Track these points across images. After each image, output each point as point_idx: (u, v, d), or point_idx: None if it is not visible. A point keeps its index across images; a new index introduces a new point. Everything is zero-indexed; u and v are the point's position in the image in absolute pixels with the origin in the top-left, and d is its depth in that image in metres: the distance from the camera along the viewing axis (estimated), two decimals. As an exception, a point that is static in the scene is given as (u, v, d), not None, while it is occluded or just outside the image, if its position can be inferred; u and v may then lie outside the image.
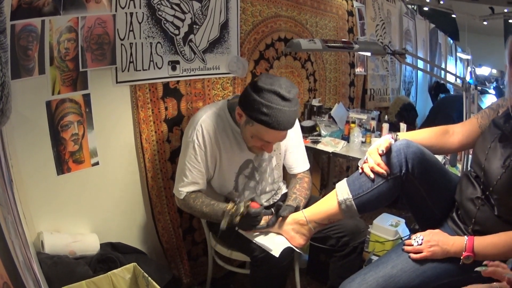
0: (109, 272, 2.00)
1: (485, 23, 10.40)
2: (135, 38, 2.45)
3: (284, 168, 2.65)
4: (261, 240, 2.09)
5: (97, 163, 2.39)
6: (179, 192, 2.33)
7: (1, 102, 0.91)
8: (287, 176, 2.69)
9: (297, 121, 2.41)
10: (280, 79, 2.11)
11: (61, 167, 2.23)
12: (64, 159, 2.23)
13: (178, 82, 2.75)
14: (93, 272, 2.07)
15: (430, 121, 6.03)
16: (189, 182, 2.32)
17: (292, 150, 2.58)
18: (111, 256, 2.21)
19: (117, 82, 2.42)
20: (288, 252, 2.03)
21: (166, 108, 2.70)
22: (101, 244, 2.31)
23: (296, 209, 2.18)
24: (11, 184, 1.56)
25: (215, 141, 2.32)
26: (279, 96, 2.04)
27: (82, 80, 2.25)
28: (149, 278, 1.96)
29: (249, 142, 2.26)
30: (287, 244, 2.04)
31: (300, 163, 2.61)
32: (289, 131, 2.25)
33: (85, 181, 2.36)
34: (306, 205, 2.06)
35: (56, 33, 2.09)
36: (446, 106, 5.88)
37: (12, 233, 1.22)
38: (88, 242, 2.27)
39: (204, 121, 2.29)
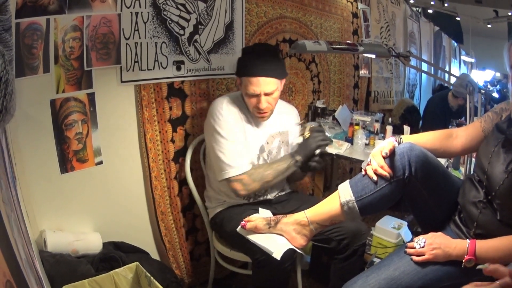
0: (111, 271, 2.01)
1: (489, 26, 10.39)
2: (140, 38, 2.46)
3: None
4: (262, 242, 2.09)
5: (100, 162, 2.40)
6: (230, 175, 2.39)
7: (5, 100, 0.91)
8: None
9: (297, 115, 2.78)
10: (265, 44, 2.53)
11: (65, 165, 2.23)
12: (68, 158, 2.24)
13: (182, 82, 2.75)
14: (96, 271, 2.07)
15: (424, 122, 6.05)
16: (238, 165, 2.39)
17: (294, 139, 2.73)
18: (113, 255, 2.21)
19: (121, 82, 2.43)
20: (289, 254, 2.03)
21: (170, 108, 2.70)
22: (103, 243, 2.32)
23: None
24: (14, 182, 1.56)
25: (239, 119, 2.49)
26: (252, 49, 2.55)
27: (86, 79, 2.26)
28: (151, 278, 1.97)
29: (248, 103, 2.47)
30: (288, 246, 2.03)
31: None
32: (296, 121, 2.73)
33: (89, 180, 2.37)
34: (306, 208, 2.06)
35: (61, 31, 2.10)
36: (431, 104, 5.88)
37: (15, 231, 1.22)
38: (90, 241, 2.28)
39: (226, 108, 2.47)
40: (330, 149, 3.46)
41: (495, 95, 8.10)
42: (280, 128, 2.66)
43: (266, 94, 2.40)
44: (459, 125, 4.20)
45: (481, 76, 10.35)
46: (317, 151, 2.35)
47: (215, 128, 2.40)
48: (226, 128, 2.40)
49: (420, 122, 5.52)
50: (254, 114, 2.49)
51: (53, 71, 2.11)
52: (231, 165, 2.37)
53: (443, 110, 5.20)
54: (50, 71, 2.09)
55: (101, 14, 2.25)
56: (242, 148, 2.43)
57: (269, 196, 2.62)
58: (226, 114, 2.42)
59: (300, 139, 2.47)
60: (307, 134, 2.34)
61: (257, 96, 2.40)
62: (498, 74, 10.41)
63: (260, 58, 2.38)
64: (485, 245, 1.66)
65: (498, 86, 10.88)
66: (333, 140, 3.63)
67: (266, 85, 2.38)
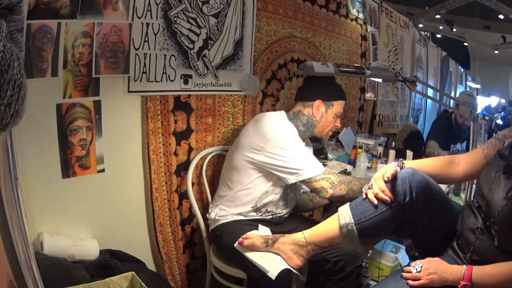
0: (106, 279, 2.00)
1: (496, 52, 10.43)
2: (149, 49, 2.47)
3: None
4: (258, 260, 2.09)
5: (103, 170, 2.40)
6: (329, 180, 2.38)
7: (17, 104, 0.92)
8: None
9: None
10: None
11: (67, 170, 2.24)
12: (70, 163, 2.24)
13: (189, 96, 2.76)
14: (91, 277, 2.06)
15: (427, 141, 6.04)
16: (311, 168, 2.41)
17: None
18: (109, 263, 2.20)
19: (128, 91, 2.43)
20: (285, 274, 2.02)
21: (175, 121, 2.71)
22: (100, 250, 2.31)
23: None
24: (16, 183, 1.57)
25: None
26: (332, 79, 2.73)
27: (94, 86, 2.27)
28: (146, 288, 1.97)
29: (330, 124, 2.71)
30: (284, 266, 2.03)
31: None
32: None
33: (90, 187, 2.37)
34: (305, 229, 2.06)
35: (71, 36, 2.11)
36: (434, 125, 5.87)
37: (16, 231, 1.23)
38: (87, 247, 2.27)
39: (283, 120, 2.57)
40: (332, 171, 3.46)
41: (499, 121, 8.10)
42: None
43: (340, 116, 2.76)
44: (453, 153, 4.22)
45: (486, 102, 10.37)
46: None
47: (289, 140, 2.42)
48: (292, 139, 2.45)
49: (423, 147, 5.51)
50: (328, 134, 2.78)
51: (61, 75, 2.11)
52: (309, 167, 2.39)
53: (447, 130, 5.18)
54: (58, 75, 2.10)
55: (112, 22, 2.27)
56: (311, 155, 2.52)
57: (279, 214, 2.63)
58: (290, 129, 2.51)
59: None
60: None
61: (340, 117, 2.74)
62: (503, 101, 10.44)
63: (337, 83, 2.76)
64: (481, 271, 1.66)
65: (502, 112, 10.89)
66: (336, 162, 3.63)
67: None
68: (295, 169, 2.37)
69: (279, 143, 2.39)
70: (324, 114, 2.64)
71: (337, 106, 2.66)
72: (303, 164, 2.38)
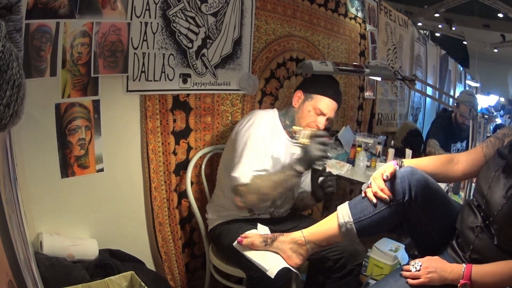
0: (106, 278, 2.00)
1: (495, 50, 10.44)
2: (148, 48, 2.47)
3: None
4: (257, 259, 2.09)
5: (102, 170, 2.40)
6: (244, 176, 2.29)
7: (16, 104, 0.92)
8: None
9: None
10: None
11: (66, 170, 2.23)
12: (69, 163, 2.24)
13: (188, 95, 2.76)
14: (90, 277, 2.06)
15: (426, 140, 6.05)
16: (254, 169, 2.34)
17: None
18: (109, 262, 2.21)
19: (127, 91, 2.43)
20: (284, 273, 2.02)
21: (174, 121, 2.71)
22: (100, 250, 2.31)
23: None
24: (16, 183, 1.57)
25: (269, 139, 2.47)
26: (331, 78, 2.63)
27: (92, 85, 2.27)
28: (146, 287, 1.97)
29: (307, 118, 2.53)
30: (283, 265, 2.03)
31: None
32: None
33: (89, 186, 2.37)
34: (304, 228, 2.06)
35: (70, 36, 2.11)
36: (434, 124, 5.87)
37: (15, 231, 1.23)
38: (87, 247, 2.27)
39: (264, 119, 2.52)
40: (331, 170, 3.46)
41: (499, 120, 8.10)
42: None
43: (327, 119, 2.54)
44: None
45: (485, 101, 10.36)
46: (319, 164, 2.32)
47: (249, 136, 2.41)
48: (257, 143, 2.40)
49: (423, 145, 5.52)
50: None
51: (60, 75, 2.11)
52: (239, 170, 2.31)
53: (447, 129, 5.18)
54: (57, 75, 2.10)
55: (111, 22, 2.27)
56: (258, 162, 2.38)
57: (277, 213, 2.63)
58: (263, 132, 2.46)
59: (296, 149, 2.42)
60: (305, 141, 2.25)
61: (322, 115, 2.52)
62: (502, 99, 10.44)
63: (335, 84, 2.63)
64: (481, 270, 1.67)
65: (502, 111, 10.89)
66: (335, 161, 3.63)
67: (333, 111, 2.56)
68: (234, 166, 2.37)
69: (236, 135, 2.46)
70: (301, 105, 2.57)
71: (317, 100, 2.52)
72: (239, 165, 2.35)
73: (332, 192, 2.50)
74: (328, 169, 3.40)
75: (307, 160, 2.21)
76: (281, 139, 2.55)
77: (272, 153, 2.46)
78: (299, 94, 2.59)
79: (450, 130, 5.11)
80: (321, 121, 2.52)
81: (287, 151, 2.54)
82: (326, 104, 2.51)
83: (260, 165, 2.35)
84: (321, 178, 2.52)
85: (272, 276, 1.99)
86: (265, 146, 2.42)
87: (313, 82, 2.59)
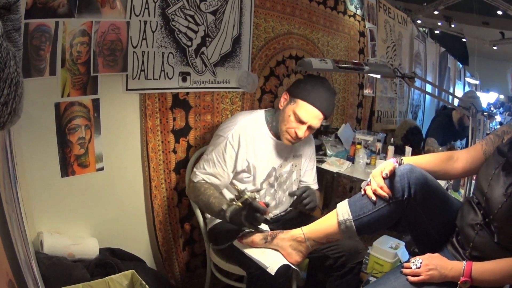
0: (106, 277, 2.00)
1: (494, 48, 10.43)
2: (147, 47, 2.47)
3: None
4: (257, 256, 2.09)
5: (102, 169, 2.40)
6: (195, 175, 2.42)
7: (14, 102, 0.92)
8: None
9: (314, 142, 2.78)
10: (324, 77, 2.46)
11: (66, 169, 2.24)
12: (69, 162, 2.24)
13: (187, 93, 2.76)
14: (91, 276, 2.07)
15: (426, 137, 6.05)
16: (210, 173, 2.40)
17: (311, 167, 2.78)
18: (109, 261, 2.21)
19: (127, 89, 2.43)
20: (285, 270, 2.03)
21: (174, 119, 2.71)
22: (100, 249, 2.31)
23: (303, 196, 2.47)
24: (15, 182, 1.57)
25: (251, 145, 2.45)
26: (322, 83, 2.43)
27: (92, 84, 2.27)
28: (147, 286, 1.97)
29: (286, 123, 2.42)
30: (283, 262, 2.03)
31: (314, 182, 2.81)
32: (312, 150, 2.71)
33: (89, 185, 2.37)
34: (304, 224, 2.07)
35: (69, 35, 2.11)
36: (435, 121, 5.89)
37: (15, 231, 1.23)
38: (87, 246, 2.28)
39: (243, 125, 2.45)
40: (331, 167, 3.47)
41: (498, 117, 8.10)
42: (295, 152, 2.66)
43: (309, 127, 2.41)
44: (450, 149, 4.21)
45: (485, 98, 10.36)
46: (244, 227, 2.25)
47: (221, 140, 2.43)
48: (225, 151, 2.42)
49: (422, 143, 5.52)
50: (284, 136, 2.45)
51: (59, 74, 2.11)
52: (199, 167, 2.44)
53: (447, 127, 5.18)
54: (56, 74, 2.10)
55: (110, 21, 2.26)
56: (222, 174, 2.43)
57: (273, 214, 2.62)
58: (236, 141, 2.42)
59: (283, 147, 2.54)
60: (238, 204, 2.13)
61: (302, 123, 2.38)
62: (502, 97, 10.44)
63: (325, 92, 2.40)
64: (481, 267, 1.67)
65: (501, 108, 10.90)
66: (335, 158, 3.64)
67: (317, 119, 2.41)
68: (202, 168, 2.46)
69: (214, 135, 2.54)
70: (285, 107, 2.45)
71: (298, 106, 2.37)
72: (200, 163, 2.47)
73: (313, 208, 2.48)
74: (328, 167, 3.43)
75: (236, 221, 2.17)
76: (265, 141, 2.53)
77: (250, 159, 2.47)
78: (285, 96, 2.48)
79: (450, 128, 5.12)
80: (301, 129, 2.40)
81: (272, 151, 2.55)
82: (306, 111, 2.37)
83: (216, 172, 2.41)
84: (296, 197, 2.52)
85: (273, 273, 1.99)
86: (231, 159, 2.43)
87: (300, 85, 2.43)
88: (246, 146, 2.43)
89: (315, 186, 2.81)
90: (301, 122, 2.37)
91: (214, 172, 2.40)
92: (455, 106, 4.70)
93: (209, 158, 2.42)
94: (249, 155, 2.45)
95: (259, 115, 2.57)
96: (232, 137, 2.41)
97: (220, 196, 2.36)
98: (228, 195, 2.51)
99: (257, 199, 2.11)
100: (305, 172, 2.74)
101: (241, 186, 2.36)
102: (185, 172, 2.76)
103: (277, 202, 2.60)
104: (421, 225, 1.91)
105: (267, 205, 2.35)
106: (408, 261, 1.87)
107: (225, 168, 2.41)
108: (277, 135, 2.52)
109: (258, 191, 2.54)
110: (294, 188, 2.69)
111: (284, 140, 2.46)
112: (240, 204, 2.09)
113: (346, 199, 1.95)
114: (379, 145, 3.88)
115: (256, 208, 2.07)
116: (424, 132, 5.86)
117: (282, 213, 2.65)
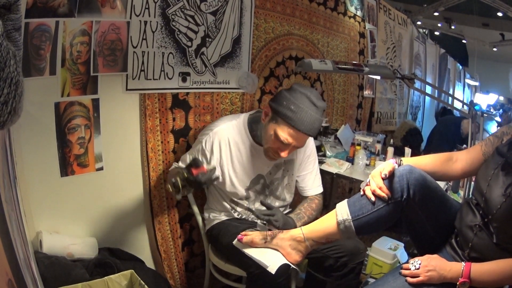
0: (105, 277, 2.00)
1: (494, 49, 10.45)
2: (147, 47, 2.47)
3: (296, 193, 2.71)
4: (257, 256, 2.10)
5: (101, 168, 2.40)
6: (174, 164, 2.57)
7: (14, 101, 0.92)
8: (299, 199, 2.72)
9: (314, 143, 2.66)
10: (312, 89, 2.27)
11: (65, 169, 2.24)
12: (69, 162, 2.24)
13: (187, 94, 2.76)
14: (90, 275, 2.07)
15: (429, 142, 6.05)
16: (182, 162, 2.48)
17: (308, 171, 2.66)
18: (108, 261, 2.21)
19: (127, 89, 2.43)
20: (284, 269, 2.03)
21: (174, 119, 2.71)
22: (99, 249, 2.32)
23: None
24: (15, 181, 1.57)
25: (226, 152, 2.40)
26: (309, 100, 2.19)
27: (92, 84, 2.27)
28: (146, 286, 1.97)
29: (268, 142, 2.30)
30: (283, 261, 2.04)
31: (313, 186, 2.68)
32: (308, 152, 2.57)
33: (88, 185, 2.37)
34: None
35: (69, 35, 2.11)
36: (443, 126, 5.90)
37: (15, 230, 1.23)
38: (86, 246, 2.28)
39: (219, 131, 2.40)
40: (331, 168, 3.47)
41: (498, 119, 8.10)
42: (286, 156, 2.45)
43: (294, 146, 2.29)
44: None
45: (485, 100, 10.36)
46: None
47: (197, 144, 2.47)
48: (198, 155, 2.43)
49: (422, 144, 5.53)
50: (266, 153, 2.37)
51: (59, 74, 2.12)
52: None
53: (454, 134, 5.20)
54: (56, 74, 2.10)
55: (110, 21, 2.27)
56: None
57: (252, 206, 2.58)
58: (208, 148, 2.41)
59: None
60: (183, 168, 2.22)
61: (285, 145, 2.24)
62: (501, 98, 10.45)
63: (311, 112, 2.18)
64: (480, 269, 1.67)
65: (501, 110, 10.89)
66: (334, 159, 3.64)
67: (302, 141, 2.29)
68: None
69: (197, 141, 2.53)
70: (267, 123, 2.30)
71: (282, 129, 2.20)
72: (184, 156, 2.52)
73: (278, 227, 2.26)
74: (327, 168, 3.42)
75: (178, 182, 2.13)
76: (246, 148, 2.45)
77: (224, 166, 2.44)
78: (267, 109, 2.31)
79: (456, 135, 5.12)
80: (284, 150, 2.28)
81: (257, 158, 2.46)
82: (290, 135, 2.21)
83: (184, 159, 2.49)
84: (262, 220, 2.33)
85: (273, 272, 1.99)
86: (203, 160, 2.41)
87: (283, 103, 2.20)
88: (219, 152, 2.39)
89: (318, 189, 2.69)
90: (283, 144, 2.24)
91: (183, 159, 2.49)
92: (455, 108, 4.71)
93: (183, 158, 2.49)
94: (222, 162, 2.41)
95: (241, 121, 2.47)
96: (206, 143, 2.40)
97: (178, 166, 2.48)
98: None
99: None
100: (306, 176, 2.65)
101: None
102: (184, 172, 2.75)
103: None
104: (420, 226, 1.91)
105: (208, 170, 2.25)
106: (407, 262, 1.87)
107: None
108: (256, 140, 2.44)
109: (247, 198, 2.53)
110: (287, 195, 2.65)
111: (267, 157, 2.39)
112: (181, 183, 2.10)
113: (345, 200, 1.95)
114: (378, 146, 3.88)
115: (192, 181, 2.09)
116: (423, 132, 5.87)
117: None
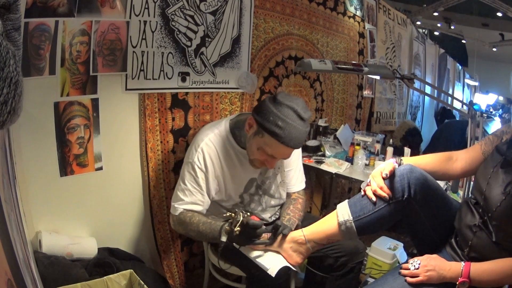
0: (105, 277, 2.00)
1: (494, 49, 10.45)
2: (147, 47, 2.47)
3: None
4: (258, 258, 2.09)
5: (100, 168, 2.40)
6: (175, 208, 2.26)
7: (14, 101, 0.92)
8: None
9: None
10: (298, 99, 2.13)
11: (65, 169, 2.23)
12: (68, 161, 2.24)
13: (187, 93, 2.76)
14: (89, 275, 2.06)
15: (432, 145, 6.05)
16: (188, 202, 2.26)
17: (291, 167, 2.59)
18: (108, 261, 2.21)
19: (126, 89, 2.43)
20: (284, 271, 2.02)
21: (173, 119, 2.71)
22: (99, 249, 2.31)
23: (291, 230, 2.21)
24: (14, 181, 1.57)
25: (218, 164, 2.32)
26: (296, 114, 2.07)
27: (91, 84, 2.27)
28: (145, 286, 1.96)
29: (253, 154, 2.22)
30: (284, 264, 2.03)
31: (296, 182, 2.62)
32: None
33: (88, 185, 2.37)
34: (303, 225, 2.06)
35: (69, 35, 2.11)
36: (449, 131, 5.90)
37: (14, 230, 1.23)
38: (86, 245, 2.27)
39: (205, 145, 2.28)
40: (330, 168, 3.47)
41: (497, 119, 8.10)
42: None
43: (281, 159, 2.26)
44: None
45: (484, 100, 10.36)
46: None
47: (189, 165, 2.29)
48: (196, 175, 2.28)
49: (422, 144, 5.53)
50: (252, 163, 2.31)
51: (59, 73, 2.11)
52: (182, 200, 2.27)
53: (460, 141, 5.20)
54: (56, 74, 2.10)
55: (109, 20, 2.26)
56: (201, 199, 2.29)
57: (266, 216, 2.56)
58: (202, 164, 2.28)
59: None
60: (237, 229, 1.98)
61: (271, 157, 2.18)
62: (501, 98, 10.46)
63: (298, 126, 2.07)
64: (479, 268, 1.67)
65: (500, 110, 10.90)
66: (333, 159, 3.64)
67: (289, 154, 2.22)
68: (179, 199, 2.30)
69: (185, 164, 2.35)
70: (252, 136, 2.20)
71: (269, 144, 2.11)
72: (175, 194, 2.31)
73: (285, 234, 2.15)
74: (327, 168, 3.42)
75: (235, 239, 2.05)
76: (234, 155, 2.36)
77: (219, 177, 2.35)
78: (251, 122, 2.18)
79: (461, 142, 5.12)
80: (270, 162, 2.22)
81: (246, 163, 2.36)
82: (277, 150, 2.13)
83: (195, 199, 2.27)
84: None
85: (273, 275, 1.98)
86: (203, 182, 2.29)
87: (270, 118, 2.07)
88: (213, 165, 2.31)
89: (301, 185, 2.64)
90: (270, 156, 2.17)
91: (193, 200, 2.27)
92: (455, 108, 4.71)
93: (183, 188, 2.28)
94: (217, 174, 2.34)
95: (223, 129, 2.37)
96: (198, 159, 2.28)
97: (208, 220, 2.20)
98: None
99: (248, 215, 2.01)
100: (288, 172, 2.58)
101: (228, 209, 2.30)
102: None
103: (264, 207, 2.53)
104: (420, 226, 1.91)
105: (261, 218, 2.28)
106: (406, 262, 1.87)
107: (203, 192, 2.29)
108: (243, 146, 2.35)
109: (241, 202, 2.48)
110: (283, 193, 2.58)
111: (253, 166, 2.33)
112: (239, 228, 1.97)
113: (346, 200, 1.95)
114: (378, 146, 3.88)
115: (253, 226, 1.97)
116: (423, 133, 5.87)
117: (273, 217, 2.61)
